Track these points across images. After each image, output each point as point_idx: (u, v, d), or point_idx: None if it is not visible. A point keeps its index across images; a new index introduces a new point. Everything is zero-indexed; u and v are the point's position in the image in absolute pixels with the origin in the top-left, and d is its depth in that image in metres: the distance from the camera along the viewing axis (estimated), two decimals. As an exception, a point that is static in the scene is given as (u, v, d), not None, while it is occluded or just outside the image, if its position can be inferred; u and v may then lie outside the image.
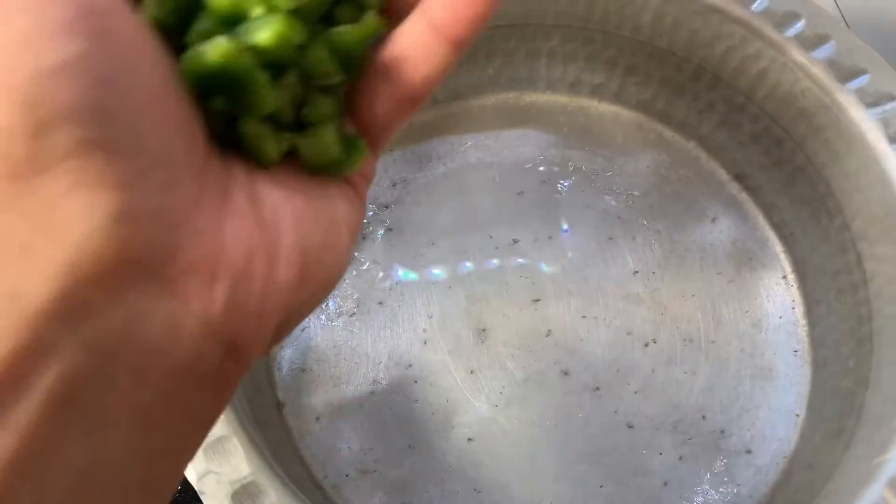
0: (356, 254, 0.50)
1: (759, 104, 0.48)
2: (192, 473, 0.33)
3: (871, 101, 0.42)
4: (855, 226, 0.44)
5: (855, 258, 0.44)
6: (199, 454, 0.34)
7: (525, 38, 0.51)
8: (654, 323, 0.48)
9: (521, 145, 0.53)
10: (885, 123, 0.41)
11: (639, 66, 0.51)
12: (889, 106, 0.41)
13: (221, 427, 0.34)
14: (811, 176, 0.46)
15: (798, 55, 0.43)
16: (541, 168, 0.53)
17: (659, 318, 0.48)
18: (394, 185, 0.52)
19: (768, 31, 0.44)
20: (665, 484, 0.44)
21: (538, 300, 0.49)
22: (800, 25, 0.44)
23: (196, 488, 0.33)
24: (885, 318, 0.41)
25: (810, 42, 0.43)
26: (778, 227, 0.50)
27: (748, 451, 0.45)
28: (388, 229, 0.51)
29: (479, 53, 0.51)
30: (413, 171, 0.52)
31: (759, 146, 0.49)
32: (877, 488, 0.34)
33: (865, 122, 0.41)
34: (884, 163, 0.41)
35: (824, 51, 0.43)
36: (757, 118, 0.48)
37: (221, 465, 0.33)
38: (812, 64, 0.43)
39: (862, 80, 0.42)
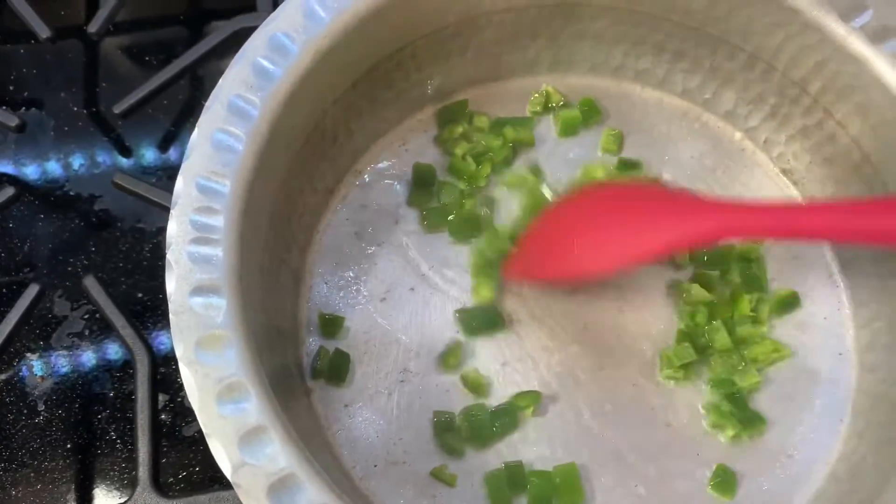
0: (389, 236, 0.48)
1: (814, 97, 0.46)
2: (226, 465, 0.32)
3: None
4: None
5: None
6: (234, 445, 0.32)
7: (571, 18, 0.49)
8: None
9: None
10: (952, 122, 0.39)
11: (688, 52, 0.49)
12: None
13: (257, 417, 0.33)
14: (867, 175, 0.45)
15: (862, 47, 0.42)
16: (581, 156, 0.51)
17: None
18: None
19: (831, 20, 0.42)
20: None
21: (574, 292, 0.47)
22: (866, 16, 0.42)
23: (231, 481, 0.32)
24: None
25: (876, 34, 0.41)
26: (826, 225, 0.48)
27: (790, 456, 0.44)
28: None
29: (523, 33, 0.49)
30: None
31: (810, 141, 0.48)
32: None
33: (932, 120, 0.40)
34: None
35: (892, 45, 0.41)
36: (810, 111, 0.47)
37: (257, 456, 0.32)
38: (876, 57, 0.41)
39: (928, 76, 0.40)
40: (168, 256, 0.36)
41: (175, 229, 0.36)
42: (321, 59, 0.41)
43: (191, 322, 0.34)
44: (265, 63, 0.39)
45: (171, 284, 0.35)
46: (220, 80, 0.39)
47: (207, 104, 0.39)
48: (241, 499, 0.32)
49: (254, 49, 0.40)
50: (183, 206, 0.36)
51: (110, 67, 0.65)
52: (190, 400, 0.33)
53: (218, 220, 0.36)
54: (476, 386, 0.45)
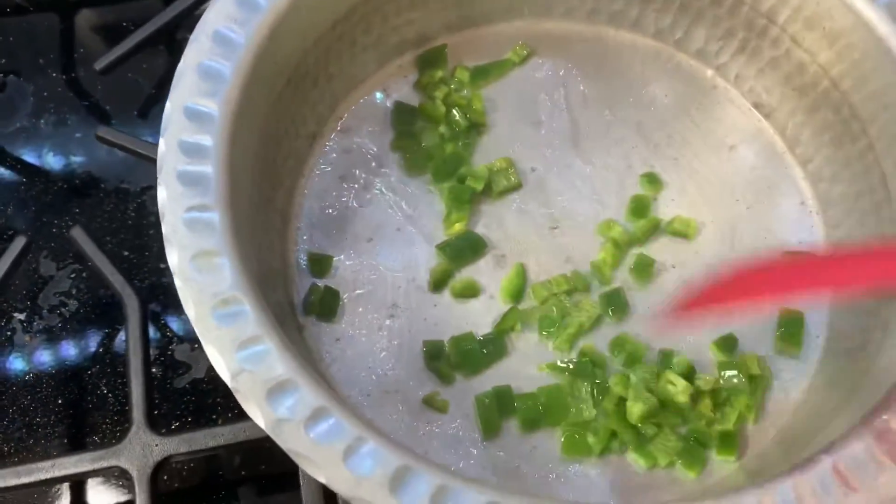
0: (374, 179, 0.49)
1: (781, 27, 0.47)
2: (225, 372, 0.33)
3: (901, 14, 0.41)
4: (879, 145, 0.44)
5: (879, 178, 0.44)
6: (232, 353, 0.33)
7: (545, -39, 0.50)
8: (673, 250, 0.48)
9: (536, 74, 0.53)
10: (915, 37, 0.41)
11: (659, -9, 0.50)
12: (919, 19, 0.41)
13: (253, 328, 0.34)
14: (834, 100, 0.46)
15: (825, -28, 0.43)
16: (557, 98, 0.52)
17: (678, 244, 0.48)
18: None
19: (795, -52, 0.44)
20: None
21: (556, 227, 0.48)
22: (828, -59, 0.43)
23: (230, 386, 0.32)
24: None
25: (838, -42, 0.43)
26: (798, 154, 0.50)
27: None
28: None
29: (497, -23, 0.50)
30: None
31: (780, 72, 0.49)
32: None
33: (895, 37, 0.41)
34: (914, 76, 0.41)
35: (853, -34, 0.43)
36: (778, 42, 0.48)
37: (256, 364, 0.33)
38: (839, -19, 0.43)
39: (891, -5, 0.42)
40: (159, 178, 0.36)
41: (165, 151, 0.37)
42: (302, -7, 0.42)
43: (185, 237, 0.35)
44: (248, -5, 0.40)
45: (164, 202, 0.35)
46: (204, 14, 0.40)
47: (193, 36, 0.39)
48: (241, 403, 0.32)
49: (237, -17, 0.40)
50: (173, 130, 0.37)
51: (87, 38, 0.65)
52: (186, 312, 0.34)
53: (208, 142, 0.37)
54: (467, 288, 0.46)
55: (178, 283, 0.34)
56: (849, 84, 0.45)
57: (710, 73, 0.52)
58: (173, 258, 0.34)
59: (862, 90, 0.44)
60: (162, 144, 0.37)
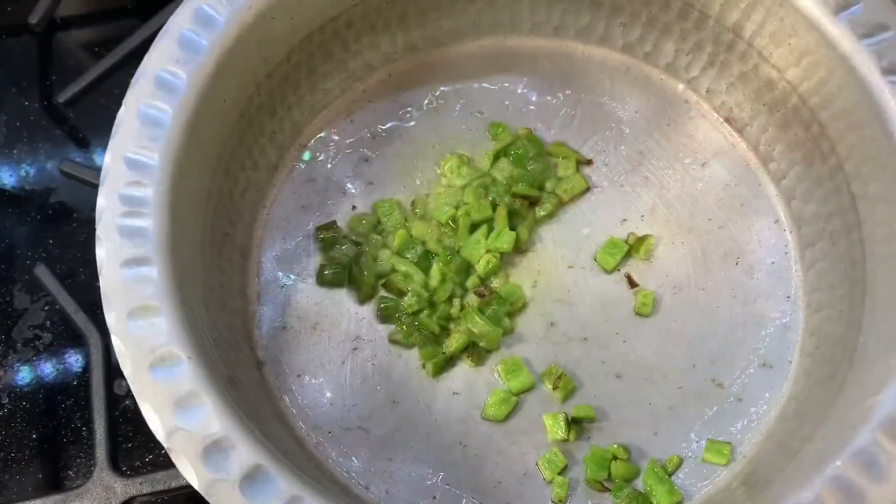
0: (337, 208, 0.48)
1: (748, 42, 0.46)
2: (159, 430, 0.32)
3: (865, 32, 0.40)
4: (848, 166, 0.42)
5: (849, 199, 0.43)
6: (167, 410, 0.32)
7: (505, -21, 0.49)
8: (641, 271, 0.47)
9: (504, 93, 0.52)
10: (878, 55, 0.39)
11: (623, 5, 0.49)
12: (883, 37, 0.40)
13: (190, 383, 0.33)
14: (804, 117, 0.45)
15: (788, -13, 0.42)
16: (526, 116, 0.51)
17: (647, 266, 0.47)
18: (373, 137, 0.50)
19: (757, -38, 0.42)
20: (655, 434, 0.43)
21: (524, 251, 0.48)
22: (789, -45, 0.42)
23: (164, 446, 0.32)
24: (878, 259, 0.40)
25: (800, -27, 0.41)
26: (770, 171, 0.48)
27: (739, 400, 0.44)
28: (369, 183, 0.49)
29: (459, -4, 0.49)
30: (393, 121, 0.51)
31: (750, 87, 0.48)
32: (868, 429, 0.33)
33: (859, 55, 0.40)
34: (877, 97, 0.39)
35: (815, -18, 0.41)
36: (746, 57, 0.47)
37: (191, 421, 0.32)
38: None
39: (855, 11, 0.40)
40: (98, 231, 0.36)
41: (104, 204, 0.36)
42: (248, 31, 0.41)
43: (122, 293, 0.34)
44: (191, 35, 0.39)
45: (102, 257, 0.35)
46: (146, 57, 0.39)
47: (133, 80, 0.39)
48: (175, 463, 0.32)
49: (179, 22, 0.40)
50: (112, 182, 0.37)
51: (62, 62, 0.65)
52: (122, 369, 0.33)
53: (147, 193, 0.36)
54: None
55: (114, 340, 0.34)
56: (816, 101, 0.44)
57: (681, 87, 0.51)
58: (110, 316, 0.34)
59: (829, 108, 0.43)
60: (101, 197, 0.36)
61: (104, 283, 0.35)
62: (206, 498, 0.31)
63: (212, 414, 0.33)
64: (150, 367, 0.33)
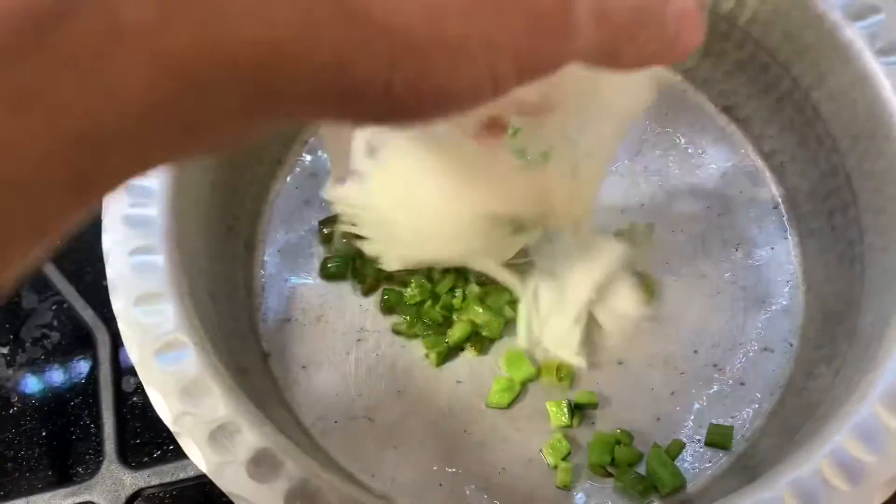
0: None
1: (742, 29, 0.46)
2: (167, 415, 0.33)
3: (856, 14, 0.40)
4: (843, 146, 0.43)
5: (844, 179, 0.43)
6: (174, 396, 0.33)
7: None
8: (642, 259, 0.47)
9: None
10: (870, 37, 0.40)
11: (620, -3, 0.49)
12: (874, 19, 0.40)
13: (197, 370, 0.34)
14: (798, 101, 0.45)
15: (780, -27, 0.42)
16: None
17: (648, 254, 0.47)
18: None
19: (749, -51, 0.43)
20: (657, 419, 0.44)
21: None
22: (780, -59, 0.42)
23: (172, 430, 0.33)
24: (874, 234, 0.40)
25: (792, -42, 0.42)
26: (767, 157, 0.49)
27: (742, 384, 0.44)
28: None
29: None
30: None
31: (745, 74, 0.48)
32: (867, 404, 0.33)
33: (850, 37, 0.40)
34: (870, 78, 0.40)
35: (807, -34, 0.42)
36: (741, 44, 0.47)
37: (197, 406, 0.33)
38: (795, -19, 0.42)
39: (846, -5, 0.41)
40: (104, 221, 0.36)
41: (110, 195, 0.37)
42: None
43: (128, 281, 0.35)
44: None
45: (108, 246, 0.36)
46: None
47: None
48: (183, 447, 0.33)
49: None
50: (116, 174, 0.37)
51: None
52: (129, 355, 0.34)
53: (153, 183, 0.37)
54: None
55: (121, 327, 0.34)
56: (810, 84, 0.44)
57: (678, 77, 0.52)
58: (117, 302, 0.35)
59: (823, 90, 0.43)
60: (105, 188, 0.37)
61: (111, 271, 0.35)
62: (214, 480, 0.32)
63: (218, 399, 0.33)
64: (156, 353, 0.34)
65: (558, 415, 0.43)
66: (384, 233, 0.39)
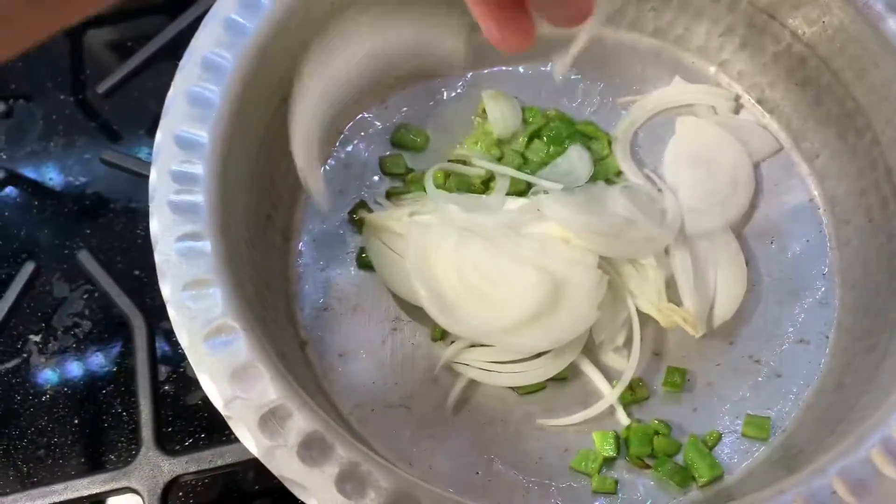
0: (373, 192, 0.49)
1: (781, 22, 0.46)
2: (218, 399, 0.33)
3: (900, 6, 0.40)
4: (885, 139, 0.43)
5: (884, 172, 0.43)
6: (225, 381, 0.33)
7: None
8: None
9: (535, 78, 0.52)
10: (914, 29, 0.40)
11: (654, -11, 0.50)
12: (919, 11, 0.40)
13: (246, 354, 0.34)
14: (838, 94, 0.45)
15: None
16: (557, 101, 0.52)
17: (683, 246, 0.47)
18: (407, 122, 0.51)
19: (790, -58, 0.43)
20: (694, 410, 0.44)
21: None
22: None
23: (223, 414, 0.33)
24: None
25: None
26: (804, 150, 0.49)
27: (778, 375, 0.44)
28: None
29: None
30: (426, 106, 0.51)
31: (782, 67, 0.48)
32: (916, 394, 0.33)
33: (893, 28, 0.40)
34: (914, 70, 0.40)
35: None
36: (779, 38, 0.47)
37: (248, 390, 0.33)
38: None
39: (890, -13, 0.41)
40: (151, 207, 0.36)
41: (157, 181, 0.37)
42: (290, 14, 0.42)
43: (176, 267, 0.35)
44: (236, 18, 0.40)
45: (156, 232, 0.36)
46: (193, 40, 0.40)
47: (182, 63, 0.40)
48: (234, 430, 0.33)
49: (224, 6, 0.40)
50: (164, 160, 0.37)
51: (95, 58, 0.66)
52: (179, 340, 0.34)
53: (198, 170, 0.37)
54: None
55: (170, 312, 0.34)
56: (850, 77, 0.44)
57: (712, 69, 0.52)
58: (166, 288, 0.35)
59: (864, 83, 0.43)
60: (153, 174, 0.37)
61: (159, 257, 0.35)
62: (265, 464, 0.32)
63: (268, 383, 0.33)
64: (206, 338, 0.34)
65: (604, 445, 0.43)
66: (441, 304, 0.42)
